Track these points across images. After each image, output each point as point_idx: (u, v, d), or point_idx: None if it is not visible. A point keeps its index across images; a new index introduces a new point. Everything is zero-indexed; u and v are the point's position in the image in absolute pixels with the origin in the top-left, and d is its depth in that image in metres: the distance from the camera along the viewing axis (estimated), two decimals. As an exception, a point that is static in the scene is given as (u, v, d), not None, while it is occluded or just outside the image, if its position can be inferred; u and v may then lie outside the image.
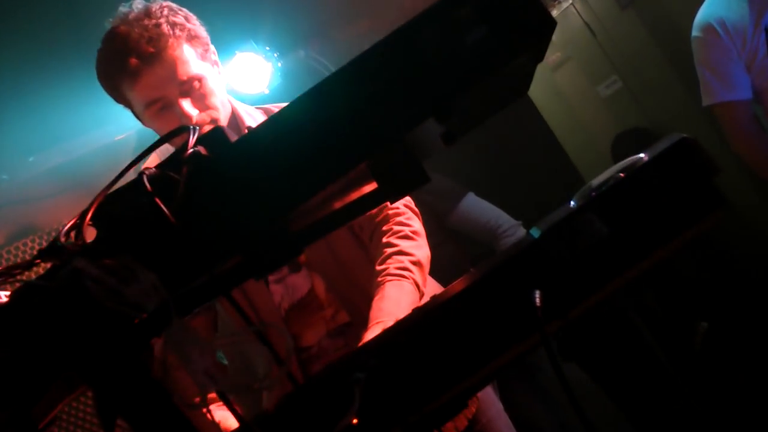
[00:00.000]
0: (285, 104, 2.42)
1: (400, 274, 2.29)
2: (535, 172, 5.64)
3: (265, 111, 2.55)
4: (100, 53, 2.30)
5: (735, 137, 3.81)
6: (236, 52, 5.49)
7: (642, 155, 1.30)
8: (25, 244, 5.05)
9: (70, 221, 1.22)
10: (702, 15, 3.77)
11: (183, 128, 1.25)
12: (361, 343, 2.03)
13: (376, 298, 2.25)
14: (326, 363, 1.59)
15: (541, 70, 5.23)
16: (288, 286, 2.46)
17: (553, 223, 1.30)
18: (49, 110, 4.63)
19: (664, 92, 4.83)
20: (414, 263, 2.34)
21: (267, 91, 5.58)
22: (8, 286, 1.24)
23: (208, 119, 2.32)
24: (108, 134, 5.07)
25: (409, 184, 1.31)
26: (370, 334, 2.08)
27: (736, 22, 3.64)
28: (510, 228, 4.42)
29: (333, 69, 4.74)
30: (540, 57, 1.25)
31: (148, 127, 2.43)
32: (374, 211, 2.45)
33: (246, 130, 2.39)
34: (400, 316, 2.10)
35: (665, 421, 1.53)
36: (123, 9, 2.29)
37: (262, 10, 5.44)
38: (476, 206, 4.57)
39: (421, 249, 2.42)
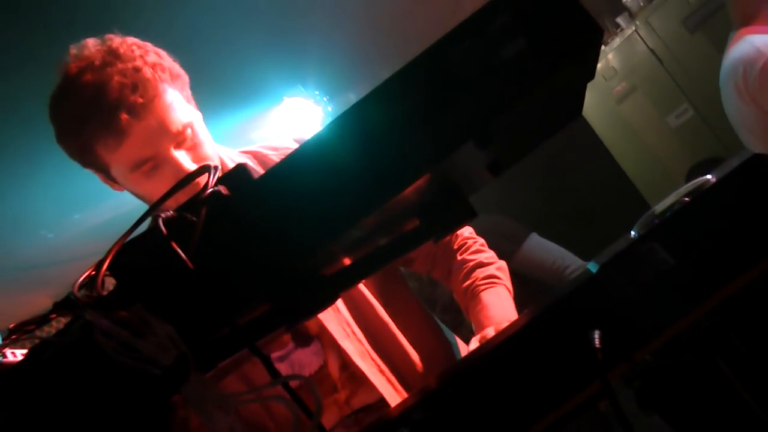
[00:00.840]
0: (273, 146, 2.38)
1: (491, 282, 2.26)
2: (603, 211, 5.58)
3: (254, 155, 2.31)
4: (62, 108, 2.01)
5: None
6: (284, 97, 5.53)
7: (709, 176, 1.23)
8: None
9: (85, 273, 1.18)
10: None
11: (204, 168, 1.21)
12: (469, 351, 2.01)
13: (475, 311, 2.20)
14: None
15: (605, 102, 5.21)
16: (294, 364, 2.23)
17: (611, 255, 1.23)
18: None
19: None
20: (499, 269, 2.31)
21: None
22: (26, 344, 1.21)
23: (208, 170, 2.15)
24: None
25: (454, 219, 1.26)
26: (485, 335, 2.04)
27: None
28: (578, 269, 4.34)
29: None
30: (589, 72, 1.18)
31: (130, 190, 2.14)
32: (440, 251, 2.40)
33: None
34: (511, 319, 2.12)
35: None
36: (75, 51, 2.01)
37: (309, 54, 5.46)
38: (541, 247, 4.51)
39: (498, 260, 2.39)
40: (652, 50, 5.12)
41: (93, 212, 5.10)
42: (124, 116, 1.92)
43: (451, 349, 2.38)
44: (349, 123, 1.12)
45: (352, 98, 5.95)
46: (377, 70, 6.07)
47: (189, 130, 2.03)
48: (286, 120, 5.48)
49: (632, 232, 1.27)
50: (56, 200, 4.85)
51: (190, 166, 2.01)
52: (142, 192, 2.11)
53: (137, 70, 1.95)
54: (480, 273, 2.31)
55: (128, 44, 2.00)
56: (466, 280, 2.32)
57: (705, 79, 4.80)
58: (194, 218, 1.12)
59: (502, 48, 1.08)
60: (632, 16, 5.25)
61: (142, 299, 1.12)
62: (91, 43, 2.00)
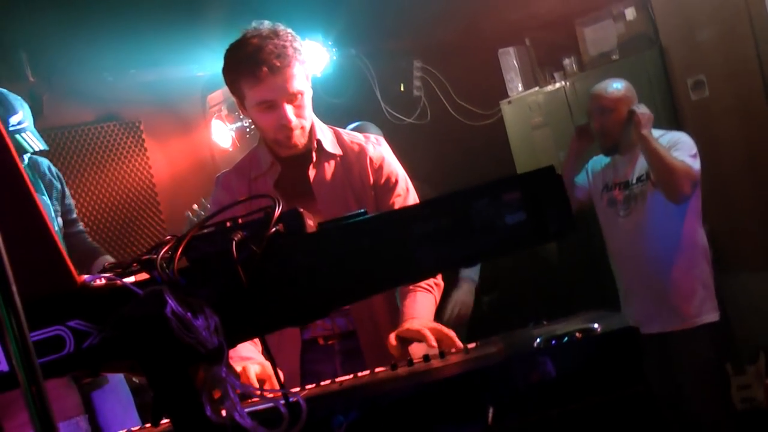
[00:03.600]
0: (350, 131, 2.49)
1: (428, 289, 2.31)
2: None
3: (334, 131, 2.54)
4: (233, 54, 2.30)
5: None
6: (305, 38, 5.44)
7: (596, 326, 1.30)
8: (108, 126, 5.02)
9: (168, 243, 1.21)
10: None
11: (271, 201, 1.23)
12: (399, 331, 2.09)
13: (408, 301, 2.26)
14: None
15: (523, 126, 5.14)
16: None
17: (515, 354, 1.31)
18: (154, 37, 4.57)
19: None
20: (437, 284, 2.34)
21: (319, 75, 5.54)
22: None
23: (300, 126, 2.32)
24: (191, 70, 5.03)
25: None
26: (409, 325, 2.10)
27: None
28: None
29: (371, 69, 4.71)
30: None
31: (249, 117, 2.45)
32: None
33: (316, 140, 2.41)
34: (429, 319, 2.19)
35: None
36: (255, 25, 2.28)
37: (337, 12, 5.36)
38: None
39: (440, 278, 2.41)
40: (568, 104, 5.16)
41: (145, 72, 5.01)
42: (265, 70, 2.20)
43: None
44: (380, 226, 1.16)
45: (352, 53, 5.89)
46: (377, 40, 6.03)
47: (300, 96, 2.29)
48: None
49: (538, 339, 1.33)
50: (121, 55, 4.74)
51: (291, 116, 2.28)
52: (257, 121, 2.38)
53: (284, 47, 2.23)
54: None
55: (287, 32, 2.27)
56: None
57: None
58: (255, 248, 1.15)
59: (508, 215, 1.13)
60: (565, 75, 5.27)
61: (204, 289, 1.15)
62: (266, 23, 2.28)
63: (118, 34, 4.56)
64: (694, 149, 3.69)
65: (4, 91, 3.42)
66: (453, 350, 1.68)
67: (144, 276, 1.22)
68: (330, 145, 2.45)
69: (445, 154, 5.83)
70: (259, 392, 1.15)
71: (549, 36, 5.55)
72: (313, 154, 2.42)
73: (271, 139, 2.39)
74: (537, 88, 5.40)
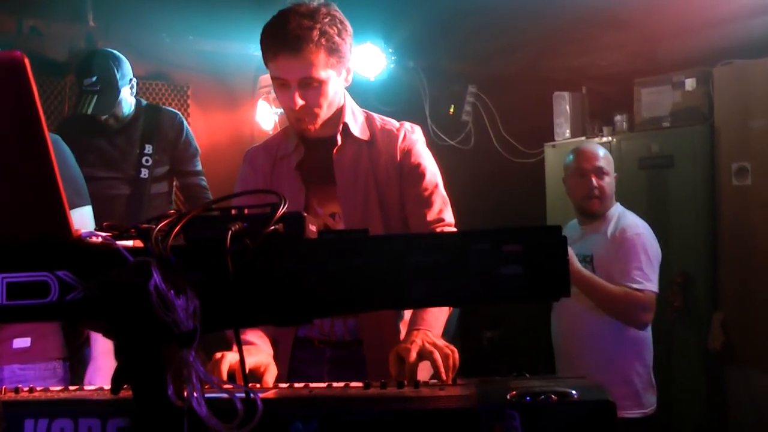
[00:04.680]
0: (384, 117, 2.46)
1: None
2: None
3: (368, 116, 2.44)
4: (268, 22, 2.22)
5: None
6: (367, 41, 5.46)
7: (573, 392, 1.29)
8: (157, 85, 5.06)
9: (168, 217, 1.21)
10: None
11: (279, 198, 1.23)
12: (399, 348, 1.95)
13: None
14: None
15: (561, 172, 5.11)
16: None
17: (487, 402, 1.30)
18: (219, 9, 4.60)
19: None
20: None
21: (372, 79, 5.55)
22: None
23: (310, 112, 2.23)
24: (248, 48, 5.05)
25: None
26: (412, 339, 1.95)
27: None
28: None
29: (426, 85, 4.70)
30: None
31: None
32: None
33: (342, 123, 2.34)
34: (437, 331, 2.05)
35: None
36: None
37: (403, 22, 5.36)
38: None
39: None
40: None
41: (202, 42, 5.04)
42: (279, 47, 2.15)
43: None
44: (379, 248, 1.15)
45: (410, 65, 5.89)
46: (437, 57, 6.03)
47: (316, 83, 2.19)
48: (359, 58, 5.41)
49: (513, 392, 1.31)
50: (186, 19, 4.79)
51: (299, 101, 2.20)
52: (276, 95, 2.33)
53: (310, 29, 2.13)
54: None
55: (327, 12, 2.19)
56: None
57: (624, 203, 4.81)
58: (250, 243, 1.15)
59: (504, 266, 1.12)
60: (614, 131, 5.24)
61: (192, 272, 1.15)
62: (317, 1, 2.23)
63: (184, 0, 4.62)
64: (651, 250, 3.50)
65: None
66: (431, 381, 1.67)
67: (139, 244, 1.22)
68: (358, 129, 2.37)
69: (480, 183, 5.81)
70: (217, 383, 1.14)
71: (606, 89, 5.53)
72: (338, 138, 2.34)
73: (286, 117, 2.36)
74: (583, 138, 5.38)
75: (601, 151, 3.67)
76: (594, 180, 3.56)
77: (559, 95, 5.64)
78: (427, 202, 2.32)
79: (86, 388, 1.73)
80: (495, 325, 5.63)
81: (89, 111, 3.62)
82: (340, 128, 2.34)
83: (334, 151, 2.34)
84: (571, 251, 3.35)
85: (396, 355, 1.96)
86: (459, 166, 5.81)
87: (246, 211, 1.23)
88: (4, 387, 1.60)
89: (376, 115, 2.46)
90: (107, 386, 2.41)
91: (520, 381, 1.48)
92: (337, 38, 2.18)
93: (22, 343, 2.49)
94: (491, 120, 6.10)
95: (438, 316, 2.11)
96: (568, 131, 5.54)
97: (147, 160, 3.80)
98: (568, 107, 5.56)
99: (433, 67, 6.06)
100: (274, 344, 2.21)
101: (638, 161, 5.03)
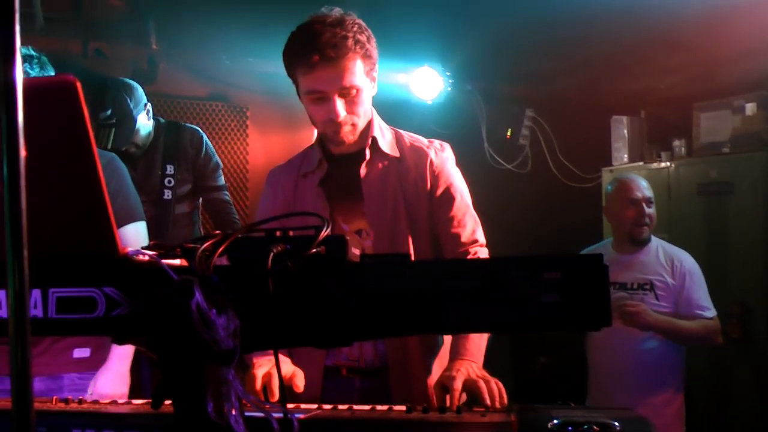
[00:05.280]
0: (413, 134, 2.45)
1: None
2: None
3: (396, 132, 2.43)
4: (293, 37, 2.20)
5: None
6: (425, 64, 5.48)
7: (616, 424, 1.26)
8: (216, 106, 5.14)
9: (213, 237, 1.22)
10: None
11: (323, 220, 1.24)
12: (441, 378, 1.97)
13: (457, 335, 2.08)
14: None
15: None
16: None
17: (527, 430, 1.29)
18: (277, 30, 4.64)
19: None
20: None
21: (429, 102, 5.56)
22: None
23: (350, 122, 2.23)
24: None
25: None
26: (457, 368, 1.95)
27: None
28: None
29: (483, 108, 4.68)
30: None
31: (304, 105, 2.31)
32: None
33: (371, 137, 2.33)
34: (480, 362, 2.05)
35: None
36: (324, 10, 2.22)
37: (461, 45, 5.37)
38: None
39: None
40: (669, 186, 5.04)
41: (262, 63, 5.11)
42: (317, 58, 2.11)
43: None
44: (420, 273, 1.15)
45: (468, 89, 5.88)
46: (495, 81, 6.02)
47: (354, 91, 2.19)
48: (417, 81, 5.44)
49: (555, 421, 1.30)
50: (245, 41, 4.86)
51: (341, 111, 2.19)
52: (308, 111, 2.29)
53: (345, 38, 2.14)
54: None
55: (354, 22, 2.19)
56: None
57: (681, 230, 4.71)
58: (291, 265, 1.16)
59: (543, 293, 1.11)
60: (673, 156, 5.16)
61: (234, 291, 1.17)
62: (336, 10, 2.21)
63: (243, 22, 4.67)
64: (703, 282, 3.72)
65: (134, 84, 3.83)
66: (474, 408, 1.66)
67: (184, 263, 1.24)
68: (387, 145, 2.36)
69: (537, 207, 5.77)
70: (255, 403, 1.15)
71: (664, 113, 5.46)
72: (367, 152, 2.32)
73: (320, 132, 2.34)
74: (641, 163, 5.31)
75: (645, 182, 3.92)
76: (645, 208, 3.80)
77: (617, 119, 5.58)
78: (461, 224, 2.30)
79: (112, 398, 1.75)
80: (548, 352, 5.56)
81: (109, 146, 3.65)
82: (369, 142, 2.33)
83: (362, 166, 2.33)
84: (644, 306, 3.57)
85: (440, 384, 1.96)
86: (516, 191, 5.80)
87: (291, 233, 1.24)
88: (55, 397, 1.66)
89: (404, 132, 2.45)
90: (117, 392, 2.50)
91: (562, 410, 1.46)
92: (368, 45, 2.21)
93: (81, 353, 2.56)
94: (548, 144, 6.05)
95: (480, 345, 2.10)
96: (626, 156, 5.47)
97: (170, 181, 3.83)
98: (626, 131, 5.50)
99: (490, 90, 6.04)
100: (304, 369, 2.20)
101: (696, 187, 4.94)
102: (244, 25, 4.68)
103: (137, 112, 3.73)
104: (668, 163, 5.12)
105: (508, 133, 6.18)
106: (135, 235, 2.58)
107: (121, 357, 2.57)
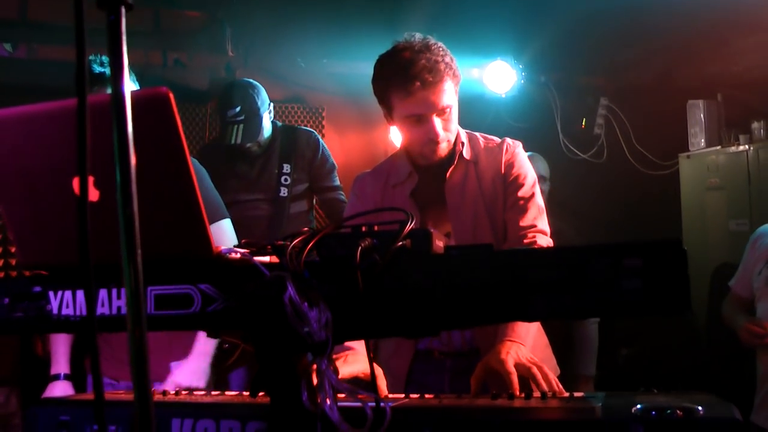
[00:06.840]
0: (487, 135, 2.52)
1: None
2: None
3: (470, 136, 2.52)
4: (384, 65, 2.33)
5: None
6: (498, 58, 5.47)
7: (700, 408, 1.27)
8: (293, 107, 5.22)
9: (302, 234, 1.27)
10: None
11: (405, 216, 1.27)
12: (486, 361, 2.04)
13: None
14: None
15: (698, 185, 4.92)
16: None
17: (611, 414, 1.30)
18: (351, 32, 4.72)
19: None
20: None
21: (503, 96, 5.55)
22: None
23: (446, 139, 2.36)
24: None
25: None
26: (506, 351, 2.03)
27: None
28: None
29: (557, 99, 4.65)
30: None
31: (398, 128, 2.44)
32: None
33: (459, 144, 2.44)
34: (529, 344, 2.11)
35: None
36: (407, 37, 2.32)
37: (533, 38, 5.35)
38: None
39: None
40: (748, 170, 4.91)
41: (336, 64, 5.18)
42: (417, 84, 2.23)
43: None
44: (502, 263, 1.18)
45: (542, 80, 5.84)
46: (569, 74, 5.96)
47: (448, 110, 2.33)
48: (490, 75, 5.43)
49: (639, 405, 1.31)
50: (320, 43, 4.94)
51: (440, 130, 2.32)
52: (404, 133, 2.43)
53: (436, 62, 2.26)
54: None
55: (438, 46, 2.31)
56: None
57: (762, 215, 4.56)
58: (379, 259, 1.20)
59: (625, 279, 1.12)
60: (752, 139, 5.02)
61: (325, 285, 1.21)
62: (417, 36, 2.32)
63: (318, 24, 4.77)
64: None
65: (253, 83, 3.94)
66: (555, 393, 1.68)
67: (275, 260, 1.30)
68: (466, 151, 2.46)
69: (613, 196, 5.69)
70: (349, 390, 1.19)
71: (742, 95, 5.32)
72: (455, 159, 2.43)
73: (417, 152, 2.43)
74: (719, 147, 5.18)
75: None
76: None
77: (693, 104, 5.46)
78: (523, 209, 2.39)
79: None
80: (631, 342, 5.48)
81: (238, 141, 3.80)
82: (456, 149, 2.44)
83: (447, 174, 2.43)
84: None
85: (485, 365, 2.03)
86: (592, 180, 5.74)
87: (376, 227, 1.29)
88: (153, 389, 1.73)
89: (478, 134, 2.54)
90: (195, 385, 2.57)
91: (646, 396, 1.47)
92: (453, 66, 2.32)
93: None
94: (624, 132, 5.97)
95: (529, 327, 2.16)
96: (703, 141, 5.35)
97: (286, 179, 3.94)
98: (702, 116, 5.37)
99: (563, 81, 5.99)
100: (390, 357, 2.32)
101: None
102: (318, 28, 4.77)
103: (263, 111, 3.87)
104: (747, 146, 4.98)
105: (583, 123, 6.12)
106: (220, 233, 2.68)
107: (202, 354, 2.64)
